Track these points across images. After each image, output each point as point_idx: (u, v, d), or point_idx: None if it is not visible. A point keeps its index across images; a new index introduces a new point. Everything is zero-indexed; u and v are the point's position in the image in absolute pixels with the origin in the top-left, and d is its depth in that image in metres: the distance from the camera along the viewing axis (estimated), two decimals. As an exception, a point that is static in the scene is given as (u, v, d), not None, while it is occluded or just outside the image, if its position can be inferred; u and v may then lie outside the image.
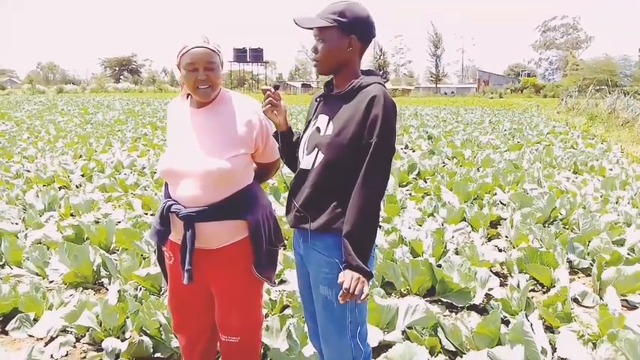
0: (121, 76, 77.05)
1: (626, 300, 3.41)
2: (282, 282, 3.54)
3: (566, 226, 4.94)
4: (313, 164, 1.76)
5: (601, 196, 5.98)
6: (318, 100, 1.90)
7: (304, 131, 1.90)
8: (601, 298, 3.35)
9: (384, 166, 1.69)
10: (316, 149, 1.75)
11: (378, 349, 2.64)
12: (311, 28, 1.76)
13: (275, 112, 1.85)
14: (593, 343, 2.66)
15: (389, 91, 1.74)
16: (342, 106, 1.74)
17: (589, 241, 4.11)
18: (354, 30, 1.72)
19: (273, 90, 1.85)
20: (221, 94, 1.98)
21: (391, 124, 1.67)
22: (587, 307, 3.33)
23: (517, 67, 78.06)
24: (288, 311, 3.04)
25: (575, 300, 3.38)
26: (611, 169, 8.03)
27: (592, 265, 3.80)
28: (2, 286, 3.20)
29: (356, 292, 1.61)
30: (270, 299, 3.20)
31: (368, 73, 1.81)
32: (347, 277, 1.63)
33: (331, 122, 1.75)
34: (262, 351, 2.53)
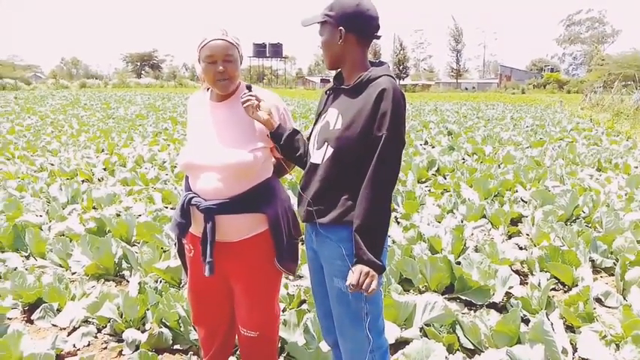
0: (143, 72, 78.00)
1: (650, 301, 3.33)
2: (299, 277, 3.56)
3: (589, 225, 4.84)
4: (323, 158, 1.75)
5: (625, 195, 5.84)
6: (328, 93, 1.90)
7: (314, 125, 1.90)
8: (625, 299, 3.28)
9: (394, 159, 1.68)
10: (326, 143, 1.75)
11: (395, 346, 2.63)
12: (312, 26, 1.79)
13: (257, 112, 1.85)
14: (616, 345, 2.60)
15: (400, 85, 1.72)
16: (351, 99, 1.74)
17: (613, 240, 4.03)
18: (342, 22, 1.72)
19: (246, 91, 1.86)
20: (241, 87, 1.99)
21: (401, 116, 1.67)
22: (610, 307, 3.26)
23: (540, 62, 76.62)
24: (305, 306, 3.05)
25: (598, 300, 3.32)
26: (636, 167, 7.84)
27: (615, 265, 3.72)
28: (27, 277, 3.29)
29: (364, 287, 1.62)
30: (287, 294, 3.21)
31: (378, 64, 1.80)
32: (356, 271, 1.64)
33: (340, 116, 1.74)
34: (280, 345, 2.54)
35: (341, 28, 1.73)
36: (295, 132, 1.93)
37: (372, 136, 1.66)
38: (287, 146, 1.90)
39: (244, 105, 1.85)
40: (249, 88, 1.89)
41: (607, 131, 13.45)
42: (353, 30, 1.73)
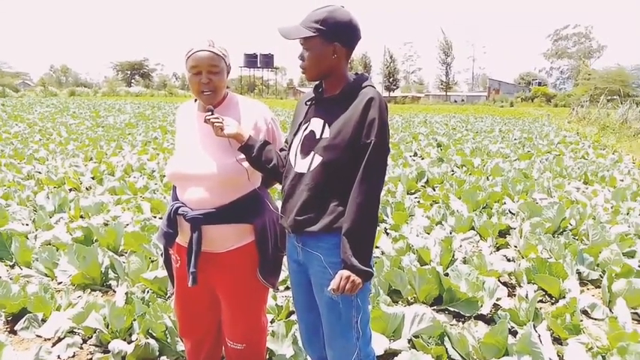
0: (133, 80, 77.56)
1: (636, 313, 3.36)
2: (287, 288, 3.54)
3: (576, 237, 4.89)
4: (309, 167, 1.77)
5: (611, 207, 5.92)
6: (308, 103, 1.91)
7: (294, 135, 1.90)
8: (611, 311, 3.31)
9: (381, 165, 1.73)
10: (312, 152, 1.77)
11: (384, 357, 2.63)
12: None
13: (224, 129, 1.83)
14: (603, 356, 2.62)
15: (389, 97, 1.75)
16: (337, 108, 1.76)
17: (599, 253, 4.07)
18: (337, 37, 1.73)
19: (211, 114, 1.85)
20: (228, 98, 2.00)
21: (386, 124, 1.73)
22: (596, 319, 3.28)
23: (528, 75, 77.61)
24: (293, 317, 3.03)
25: (585, 312, 3.34)
26: (622, 180, 7.95)
27: (602, 277, 3.76)
28: (12, 286, 3.23)
29: (344, 292, 1.67)
30: (276, 305, 3.19)
31: (359, 75, 1.85)
32: (337, 276, 1.69)
33: (327, 125, 1.76)
34: (268, 356, 2.52)
35: (336, 42, 1.73)
36: (266, 143, 1.92)
37: (360, 143, 1.69)
38: (259, 158, 1.88)
39: (216, 129, 1.82)
40: (211, 111, 1.86)
41: (593, 145, 13.66)
42: (346, 45, 1.76)
